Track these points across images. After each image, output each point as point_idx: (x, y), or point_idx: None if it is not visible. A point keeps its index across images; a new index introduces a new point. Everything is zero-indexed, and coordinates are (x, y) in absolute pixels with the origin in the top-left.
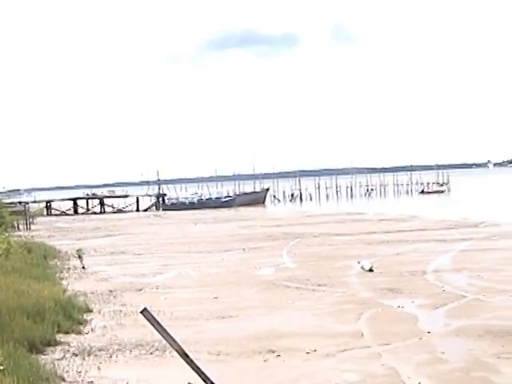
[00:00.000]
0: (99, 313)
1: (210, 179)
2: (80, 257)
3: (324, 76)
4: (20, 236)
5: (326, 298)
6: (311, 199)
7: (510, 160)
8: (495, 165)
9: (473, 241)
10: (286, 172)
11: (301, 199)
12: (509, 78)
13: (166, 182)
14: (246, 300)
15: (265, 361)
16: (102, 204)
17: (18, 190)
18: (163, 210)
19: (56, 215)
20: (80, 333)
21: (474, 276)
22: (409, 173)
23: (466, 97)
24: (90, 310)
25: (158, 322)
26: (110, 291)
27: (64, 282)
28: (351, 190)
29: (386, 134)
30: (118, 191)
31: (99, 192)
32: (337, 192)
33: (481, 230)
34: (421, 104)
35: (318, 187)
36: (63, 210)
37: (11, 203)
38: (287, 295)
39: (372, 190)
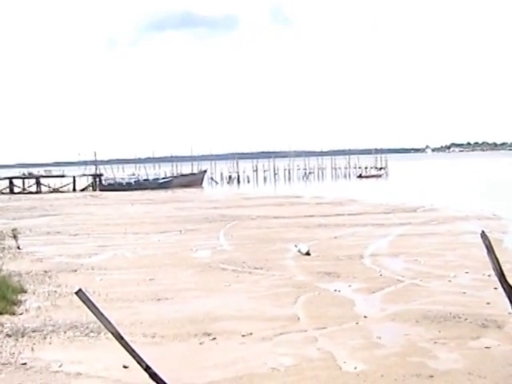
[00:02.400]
0: (34, 293)
1: (148, 160)
2: (15, 237)
3: (263, 58)
4: None
5: (262, 281)
6: (249, 182)
7: (448, 145)
8: (433, 150)
9: (411, 225)
10: (223, 154)
11: (238, 182)
12: (448, 64)
13: (104, 162)
14: (182, 282)
15: (200, 343)
16: (38, 183)
17: None
18: (100, 190)
19: None
20: (14, 314)
21: (411, 261)
22: (347, 157)
23: (405, 82)
24: (24, 291)
25: (92, 304)
26: (45, 272)
27: None
28: (289, 173)
29: (324, 118)
30: (55, 171)
31: (35, 171)
32: (275, 175)
33: (419, 214)
34: (360, 88)
35: (256, 170)
36: None
37: None
38: (224, 278)
39: (310, 173)
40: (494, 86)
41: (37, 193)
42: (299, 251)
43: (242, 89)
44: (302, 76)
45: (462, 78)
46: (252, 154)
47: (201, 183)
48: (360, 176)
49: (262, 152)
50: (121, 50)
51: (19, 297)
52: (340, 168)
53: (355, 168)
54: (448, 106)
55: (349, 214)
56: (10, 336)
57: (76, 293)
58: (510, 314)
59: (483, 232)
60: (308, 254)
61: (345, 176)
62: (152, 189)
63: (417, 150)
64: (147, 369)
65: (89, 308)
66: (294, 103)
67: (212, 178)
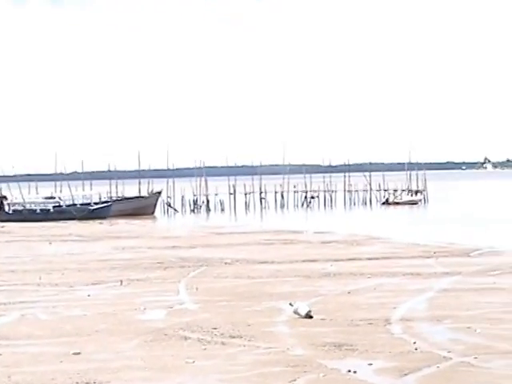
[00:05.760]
0: None
1: (74, 176)
2: None
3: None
4: None
5: (242, 357)
6: (223, 209)
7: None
8: (495, 165)
9: (461, 276)
10: (186, 169)
11: (208, 209)
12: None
13: (7, 178)
14: (123, 358)
15: None
16: None
17: None
18: (2, 220)
19: None
20: None
21: (461, 329)
22: (367, 174)
23: (448, 72)
24: None
25: None
26: None
27: None
28: (282, 196)
29: (333, 119)
30: None
31: None
32: (261, 200)
33: (473, 260)
34: (384, 79)
35: (234, 192)
36: None
37: None
38: (185, 351)
39: (313, 197)
40: None
41: None
42: (296, 312)
43: (217, 86)
44: (302, 64)
45: None
46: (228, 168)
47: (152, 211)
48: (386, 202)
49: (244, 166)
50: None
51: None
52: (357, 191)
53: (379, 191)
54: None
55: (369, 259)
56: None
57: None
58: None
59: None
60: (309, 316)
61: (364, 202)
62: (80, 218)
63: (472, 165)
64: None
65: None
66: (289, 98)
67: (169, 204)
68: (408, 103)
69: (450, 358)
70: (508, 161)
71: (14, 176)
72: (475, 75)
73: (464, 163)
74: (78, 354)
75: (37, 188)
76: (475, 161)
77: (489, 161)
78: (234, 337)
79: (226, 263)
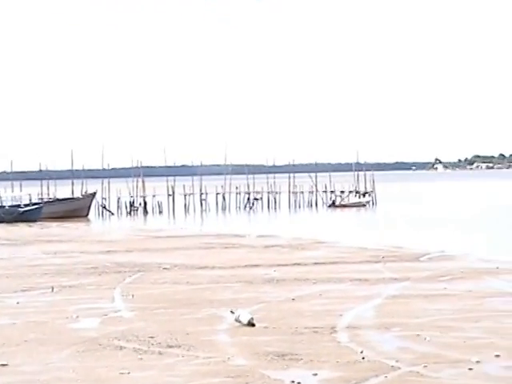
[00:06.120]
0: None
1: (2, 176)
2: None
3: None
4: None
5: (180, 367)
6: (161, 212)
7: (469, 159)
8: (446, 166)
9: (410, 282)
10: (122, 169)
11: (145, 211)
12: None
13: None
14: (53, 369)
15: None
16: None
17: None
18: None
19: None
20: None
21: (410, 337)
22: (313, 175)
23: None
24: None
25: None
26: None
27: None
28: (224, 198)
29: (277, 117)
30: None
31: None
32: (202, 201)
33: (423, 265)
34: (332, 78)
35: (173, 193)
36: None
37: None
38: (120, 361)
39: (256, 199)
40: None
41: None
42: (238, 320)
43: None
44: (251, 63)
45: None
46: (167, 168)
47: (86, 213)
48: (333, 204)
49: (183, 166)
50: None
51: None
52: (302, 192)
53: (325, 192)
54: (470, 104)
55: (315, 264)
56: None
57: None
58: None
59: None
60: (251, 324)
61: (309, 204)
62: (9, 221)
63: (422, 166)
64: None
65: None
66: (231, 96)
67: (104, 206)
68: (356, 102)
69: (399, 368)
70: (460, 161)
71: None
72: (424, 76)
73: (414, 164)
74: (5, 365)
75: None
76: (426, 161)
77: (439, 161)
78: (171, 346)
79: (164, 268)
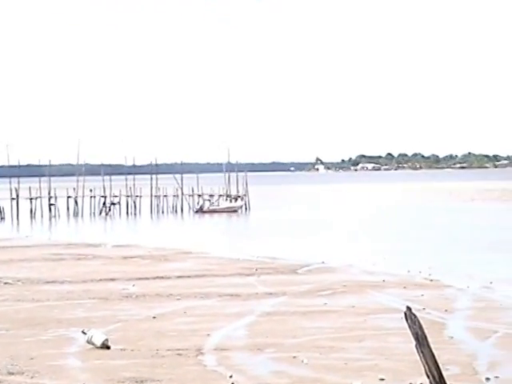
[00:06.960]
0: None
1: None
2: None
3: None
4: None
5: None
6: (3, 217)
7: (354, 159)
8: (328, 167)
9: (286, 297)
10: None
11: None
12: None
13: None
14: None
15: None
16: None
17: None
18: None
19: None
20: None
21: (285, 358)
22: (178, 176)
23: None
24: None
25: None
26: None
27: None
28: (76, 202)
29: (134, 113)
30: None
31: None
32: (50, 206)
33: (301, 278)
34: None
35: (17, 197)
36: None
37: None
38: None
39: (113, 203)
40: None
41: None
42: (90, 342)
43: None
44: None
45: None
46: (10, 168)
47: None
48: (201, 210)
49: (29, 166)
50: None
51: None
52: (166, 196)
53: (192, 196)
54: (354, 100)
55: (179, 277)
56: None
57: None
58: None
59: (409, 310)
60: (106, 346)
61: (174, 209)
62: None
63: (302, 166)
64: None
65: None
66: (84, 90)
67: None
68: (225, 95)
69: None
70: (343, 161)
71: None
72: (304, 74)
73: (293, 164)
74: None
75: None
76: (306, 162)
77: (321, 162)
78: (12, 373)
79: (5, 283)
